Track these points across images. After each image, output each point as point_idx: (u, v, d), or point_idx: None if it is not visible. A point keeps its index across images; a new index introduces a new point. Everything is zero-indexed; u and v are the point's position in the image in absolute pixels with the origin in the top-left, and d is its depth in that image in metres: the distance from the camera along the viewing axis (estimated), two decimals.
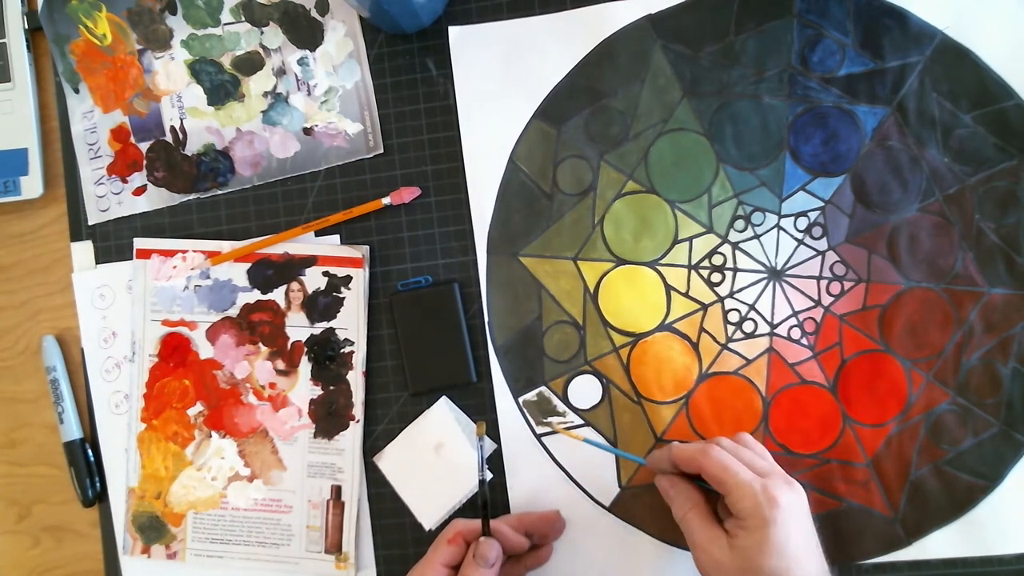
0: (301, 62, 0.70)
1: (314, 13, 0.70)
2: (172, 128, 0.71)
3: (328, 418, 0.69)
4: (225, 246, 0.70)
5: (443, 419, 0.67)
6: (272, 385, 0.69)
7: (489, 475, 0.66)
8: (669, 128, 0.66)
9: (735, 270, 0.66)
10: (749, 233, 0.66)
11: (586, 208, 0.67)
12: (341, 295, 0.69)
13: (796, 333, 0.65)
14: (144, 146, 0.71)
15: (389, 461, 0.68)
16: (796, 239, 0.65)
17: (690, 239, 0.66)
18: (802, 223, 0.65)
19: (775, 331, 0.66)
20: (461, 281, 0.68)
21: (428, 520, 0.67)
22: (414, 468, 0.67)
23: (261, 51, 0.70)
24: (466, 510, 0.67)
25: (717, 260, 0.66)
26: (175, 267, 0.70)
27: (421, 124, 0.69)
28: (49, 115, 0.74)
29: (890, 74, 0.65)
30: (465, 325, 0.67)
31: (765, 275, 0.66)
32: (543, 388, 0.67)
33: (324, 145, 0.70)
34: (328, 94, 0.70)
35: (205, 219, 0.71)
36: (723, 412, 0.65)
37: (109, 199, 0.72)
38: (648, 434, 0.66)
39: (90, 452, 0.71)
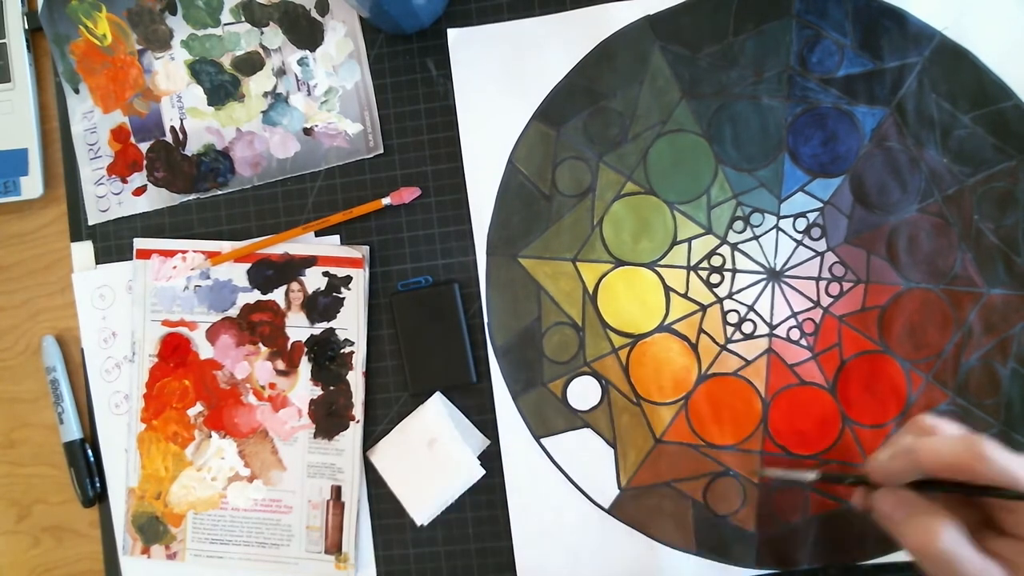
0: (301, 62, 0.70)
1: (314, 13, 0.70)
2: (172, 128, 0.71)
3: (328, 418, 0.69)
4: (225, 246, 0.70)
5: (437, 415, 0.67)
6: (272, 385, 0.69)
7: (481, 472, 0.66)
8: (668, 129, 0.66)
9: (734, 271, 0.66)
10: (748, 234, 0.66)
11: (585, 209, 0.67)
12: (341, 295, 0.69)
13: (795, 334, 0.65)
14: (144, 146, 0.72)
15: (382, 456, 0.68)
16: (795, 240, 0.65)
17: (689, 240, 0.66)
18: (801, 224, 0.65)
19: (774, 332, 0.66)
20: (461, 281, 0.68)
21: (420, 515, 0.67)
22: (407, 463, 0.67)
23: (261, 51, 0.70)
24: (458, 506, 0.67)
25: (716, 261, 0.66)
26: (175, 267, 0.70)
27: (421, 124, 0.69)
28: (49, 115, 0.74)
29: (889, 75, 0.65)
30: (465, 325, 0.67)
31: (764, 276, 0.66)
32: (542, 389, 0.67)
33: (324, 145, 0.70)
34: (328, 94, 0.70)
35: (205, 219, 0.71)
36: (722, 413, 0.65)
37: (109, 199, 0.72)
38: (647, 435, 0.66)
39: (90, 452, 0.71)
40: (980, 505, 0.43)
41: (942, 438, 0.44)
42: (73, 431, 0.71)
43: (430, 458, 0.67)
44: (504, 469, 0.67)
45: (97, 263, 0.72)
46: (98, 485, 0.71)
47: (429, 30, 0.69)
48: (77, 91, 0.72)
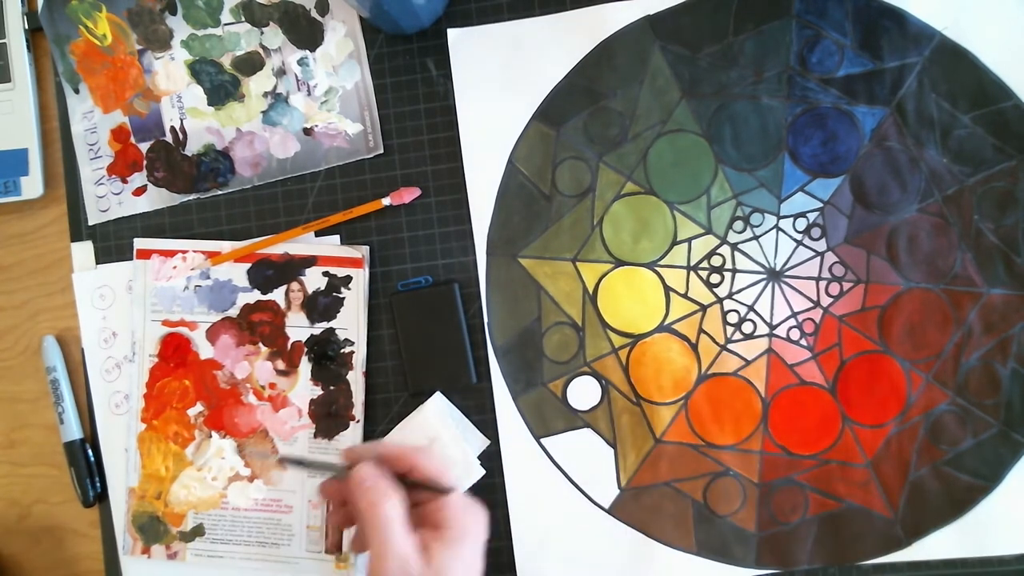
0: (301, 62, 0.70)
1: (314, 13, 0.70)
2: (172, 128, 0.71)
3: (328, 418, 0.69)
4: (225, 246, 0.70)
5: (437, 414, 0.67)
6: (272, 385, 0.69)
7: (481, 472, 0.66)
8: (668, 129, 0.66)
9: (734, 271, 0.66)
10: (748, 234, 0.66)
11: (585, 209, 0.67)
12: (341, 295, 0.69)
13: (795, 334, 0.65)
14: (144, 146, 0.72)
15: None
16: (795, 240, 0.65)
17: (689, 240, 0.66)
18: (801, 224, 0.65)
19: (774, 332, 0.66)
20: (461, 281, 0.68)
21: None
22: None
23: (261, 51, 0.70)
24: None
25: (716, 261, 0.66)
26: (175, 267, 0.70)
27: (421, 124, 0.69)
28: (49, 115, 0.74)
29: (889, 75, 0.65)
30: (465, 325, 0.67)
31: (764, 276, 0.66)
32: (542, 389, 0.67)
33: (324, 145, 0.70)
34: (328, 94, 0.70)
35: (205, 219, 0.71)
36: (722, 413, 0.65)
37: (109, 199, 0.72)
38: (647, 435, 0.66)
39: (90, 452, 0.71)
40: (417, 501, 0.53)
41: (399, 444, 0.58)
42: (73, 431, 0.71)
43: None
44: (504, 469, 0.67)
45: (97, 263, 0.72)
46: (98, 485, 0.71)
47: (429, 30, 0.69)
48: (77, 91, 0.72)
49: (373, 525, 0.51)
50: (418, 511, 0.53)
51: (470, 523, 0.52)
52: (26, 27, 0.73)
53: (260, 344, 0.70)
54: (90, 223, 0.72)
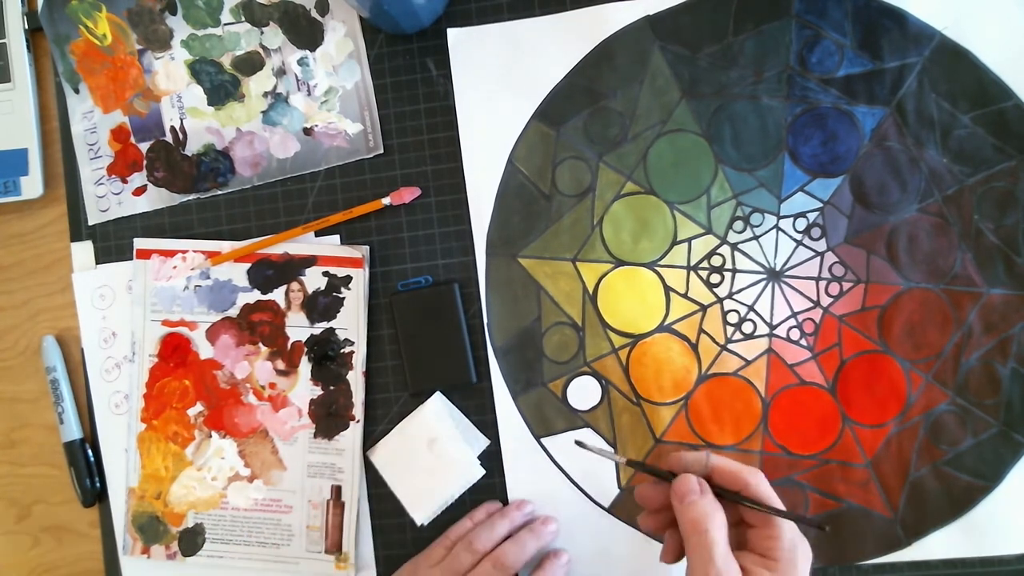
0: (301, 62, 0.70)
1: (314, 13, 0.70)
2: (172, 128, 0.71)
3: (328, 418, 0.69)
4: (225, 246, 0.70)
5: (437, 414, 0.67)
6: (272, 385, 0.69)
7: (481, 472, 0.66)
8: (668, 129, 0.66)
9: (734, 271, 0.66)
10: (748, 234, 0.66)
11: (585, 209, 0.67)
12: (341, 295, 0.69)
13: (795, 334, 0.65)
14: (144, 146, 0.72)
15: (382, 456, 0.68)
16: (795, 240, 0.65)
17: (689, 240, 0.66)
18: (801, 224, 0.65)
19: (774, 332, 0.66)
20: (461, 281, 0.68)
21: (420, 515, 0.67)
22: (407, 463, 0.67)
23: (261, 51, 0.70)
24: (458, 505, 0.67)
25: (716, 261, 0.66)
26: (175, 267, 0.70)
27: (421, 124, 0.69)
28: (49, 115, 0.74)
29: (889, 75, 0.65)
30: (465, 325, 0.67)
31: (764, 276, 0.66)
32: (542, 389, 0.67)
33: (324, 145, 0.70)
34: (328, 94, 0.70)
35: (205, 219, 0.71)
36: (722, 413, 0.65)
37: (109, 199, 0.72)
38: (647, 435, 0.66)
39: (90, 452, 0.71)
40: (737, 524, 0.53)
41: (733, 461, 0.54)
42: (73, 431, 0.71)
43: (430, 458, 0.67)
44: (504, 469, 0.67)
45: (97, 263, 0.72)
46: (98, 485, 0.71)
47: (429, 30, 0.69)
48: (77, 91, 0.72)
49: (695, 544, 0.51)
50: (739, 531, 0.53)
51: (799, 559, 0.50)
52: (26, 27, 0.73)
53: (260, 344, 0.70)
54: (90, 223, 0.72)
